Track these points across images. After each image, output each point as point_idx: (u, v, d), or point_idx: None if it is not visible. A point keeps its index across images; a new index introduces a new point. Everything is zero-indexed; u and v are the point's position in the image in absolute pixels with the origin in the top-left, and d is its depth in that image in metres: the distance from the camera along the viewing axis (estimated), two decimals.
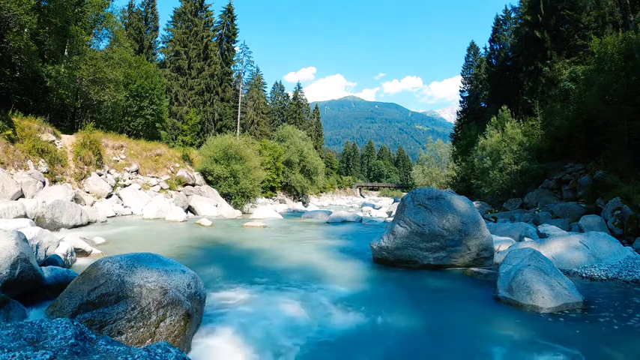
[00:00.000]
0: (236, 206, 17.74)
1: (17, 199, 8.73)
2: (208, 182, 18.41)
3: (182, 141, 27.32)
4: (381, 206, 30.94)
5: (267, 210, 15.81)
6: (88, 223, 9.25)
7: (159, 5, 36.99)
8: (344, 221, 13.49)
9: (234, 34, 39.46)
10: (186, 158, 19.62)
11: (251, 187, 18.96)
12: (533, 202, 15.81)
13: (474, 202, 10.50)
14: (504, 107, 23.46)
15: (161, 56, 35.15)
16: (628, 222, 8.21)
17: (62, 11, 14.25)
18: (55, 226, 7.95)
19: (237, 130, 38.43)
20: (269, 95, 58.05)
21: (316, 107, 70.27)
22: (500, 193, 19.32)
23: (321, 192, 52.78)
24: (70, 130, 15.57)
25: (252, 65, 54.97)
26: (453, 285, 4.77)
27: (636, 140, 11.62)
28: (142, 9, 35.29)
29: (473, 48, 42.26)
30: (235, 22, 39.59)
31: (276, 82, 65.44)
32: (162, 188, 15.76)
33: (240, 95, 42.04)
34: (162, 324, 2.65)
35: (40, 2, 13.65)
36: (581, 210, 11.19)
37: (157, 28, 36.35)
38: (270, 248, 7.21)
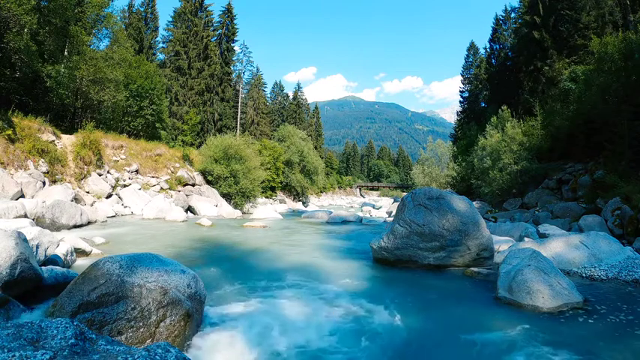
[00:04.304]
0: (236, 206, 17.74)
1: (17, 199, 8.72)
2: (208, 182, 18.41)
3: (182, 141, 27.30)
4: (381, 206, 30.98)
5: (267, 210, 15.81)
6: (88, 223, 9.25)
7: (159, 5, 37.00)
8: (344, 221, 13.49)
9: (234, 34, 39.45)
10: (186, 158, 19.62)
11: (251, 187, 18.96)
12: (533, 202, 15.82)
13: (474, 202, 10.50)
14: (504, 107, 23.45)
15: (161, 56, 35.14)
16: (628, 222, 8.21)
17: (62, 11, 14.23)
18: (55, 226, 7.95)
19: (237, 130, 38.42)
20: (269, 95, 58.10)
21: (316, 107, 70.24)
22: (500, 193, 19.32)
23: (321, 192, 52.79)
24: (70, 130, 15.56)
25: (252, 65, 54.96)
26: (453, 285, 4.77)
27: (636, 140, 11.61)
28: (142, 9, 35.27)
29: (473, 48, 42.24)
30: (235, 21, 39.59)
31: (276, 82, 65.47)
32: (162, 188, 15.76)
33: (240, 95, 42.03)
34: (162, 324, 2.65)
35: (40, 2, 13.63)
36: (581, 210, 11.19)
37: (156, 28, 36.33)
38: (270, 248, 7.21)
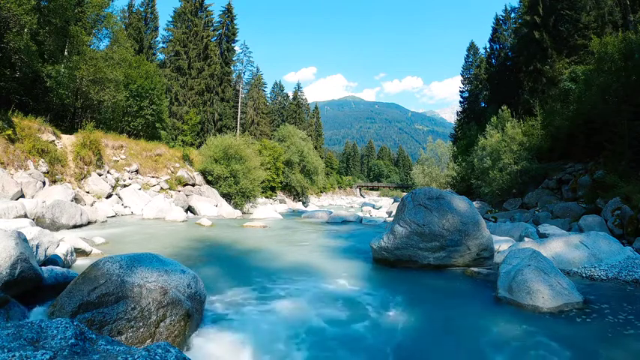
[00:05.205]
0: (236, 206, 17.74)
1: (17, 199, 8.72)
2: (208, 182, 18.41)
3: (182, 141, 27.31)
4: (381, 206, 30.99)
5: (267, 210, 15.81)
6: (88, 223, 9.25)
7: (159, 5, 37.03)
8: (344, 221, 13.49)
9: (234, 34, 39.46)
10: (186, 158, 19.62)
11: (251, 187, 18.96)
12: (533, 202, 15.82)
13: (474, 202, 10.50)
14: (504, 107, 23.46)
15: (161, 56, 35.15)
16: (628, 222, 8.21)
17: (62, 11, 14.24)
18: (55, 226, 7.95)
19: (237, 130, 38.43)
20: (269, 95, 58.13)
21: (316, 107, 70.26)
22: (500, 193, 19.32)
23: (321, 192, 52.81)
24: (70, 130, 15.56)
25: (252, 65, 55.02)
26: (453, 285, 4.77)
27: (636, 140, 11.61)
28: (142, 9, 35.28)
29: (472, 48, 42.26)
30: (235, 21, 39.62)
31: (276, 82, 65.51)
32: (162, 188, 15.76)
33: (240, 95, 42.03)
34: (162, 324, 2.65)
35: (40, 2, 13.63)
36: (581, 210, 11.19)
37: (156, 28, 36.34)
38: (270, 248, 7.21)
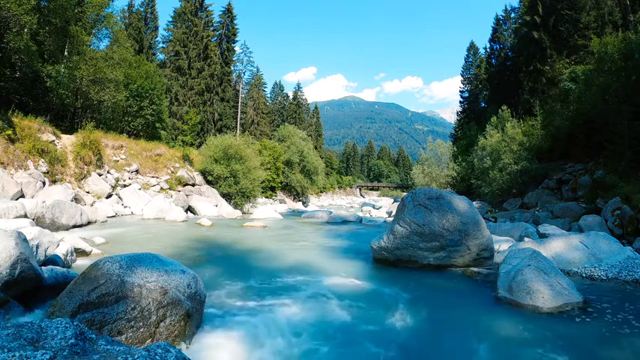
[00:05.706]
0: (236, 206, 17.74)
1: (17, 199, 8.72)
2: (208, 182, 18.41)
3: (182, 141, 27.31)
4: (381, 206, 30.99)
5: (267, 210, 15.81)
6: (88, 223, 9.25)
7: (159, 5, 37.02)
8: (344, 221, 13.49)
9: (234, 34, 39.45)
10: (186, 158, 19.62)
11: (251, 187, 18.96)
12: (533, 202, 15.82)
13: (474, 202, 10.50)
14: (504, 107, 23.45)
15: (161, 56, 35.15)
16: (628, 222, 8.21)
17: (62, 11, 14.24)
18: (55, 226, 7.95)
19: (237, 130, 38.42)
20: (269, 95, 58.12)
21: (316, 107, 70.25)
22: (500, 193, 19.32)
23: (321, 192, 52.82)
24: (70, 130, 15.56)
25: (252, 65, 54.92)
26: (453, 285, 4.77)
27: (636, 140, 11.61)
28: (142, 9, 35.27)
29: (472, 48, 42.24)
30: (235, 21, 39.61)
31: (276, 82, 65.51)
32: (162, 188, 15.76)
33: (240, 95, 42.02)
34: (162, 324, 2.65)
35: (40, 2, 13.63)
36: (581, 210, 11.19)
37: (156, 28, 36.33)
38: (270, 248, 7.21)
